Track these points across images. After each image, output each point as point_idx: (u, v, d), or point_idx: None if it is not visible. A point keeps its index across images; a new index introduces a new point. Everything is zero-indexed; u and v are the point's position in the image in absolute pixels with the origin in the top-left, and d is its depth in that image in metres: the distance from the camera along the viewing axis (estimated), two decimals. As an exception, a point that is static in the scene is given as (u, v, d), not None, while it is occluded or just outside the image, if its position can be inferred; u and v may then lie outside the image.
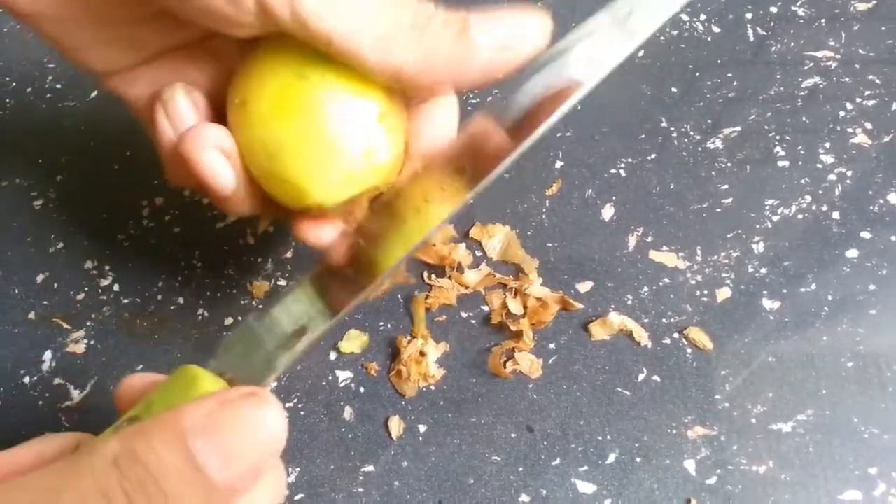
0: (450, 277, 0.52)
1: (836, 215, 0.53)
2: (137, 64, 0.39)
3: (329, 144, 0.35)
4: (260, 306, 0.53)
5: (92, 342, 0.52)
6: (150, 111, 0.40)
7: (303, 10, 0.32)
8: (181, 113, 0.39)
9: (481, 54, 0.33)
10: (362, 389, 0.50)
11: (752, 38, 0.62)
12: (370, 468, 0.47)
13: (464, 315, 0.52)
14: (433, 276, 0.52)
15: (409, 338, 0.50)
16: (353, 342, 0.51)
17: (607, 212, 0.54)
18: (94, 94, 0.64)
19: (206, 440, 0.26)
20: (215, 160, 0.37)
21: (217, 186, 0.38)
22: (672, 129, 0.58)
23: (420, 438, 0.48)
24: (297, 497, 0.46)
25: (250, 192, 0.39)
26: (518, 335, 0.49)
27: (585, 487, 0.45)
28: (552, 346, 0.50)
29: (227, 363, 0.34)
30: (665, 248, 0.53)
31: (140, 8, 0.36)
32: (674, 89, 0.60)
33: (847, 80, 0.59)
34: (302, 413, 0.49)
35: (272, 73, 0.36)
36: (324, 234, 0.40)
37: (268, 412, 0.27)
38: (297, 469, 0.47)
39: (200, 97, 0.39)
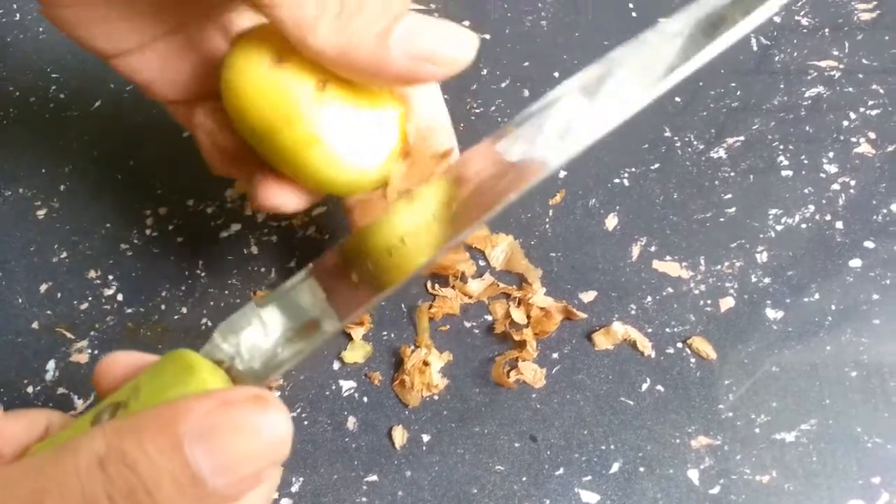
0: (453, 287, 0.52)
1: (839, 225, 0.53)
2: (144, 44, 0.40)
3: (303, 140, 0.36)
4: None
5: (95, 352, 0.52)
6: (165, 90, 0.42)
7: None
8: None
9: (397, 62, 0.33)
10: (366, 399, 0.50)
11: (755, 48, 0.62)
12: (374, 478, 0.47)
13: (467, 325, 0.52)
14: (437, 286, 0.52)
15: (412, 347, 0.50)
16: (357, 352, 0.51)
17: (611, 221, 0.54)
18: (98, 103, 0.64)
19: (205, 446, 0.24)
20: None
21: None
22: (675, 138, 0.58)
23: (423, 448, 0.48)
24: (301, 507, 0.46)
25: None
26: (521, 345, 0.49)
27: (589, 497, 0.45)
28: (555, 355, 0.50)
29: (224, 351, 0.32)
30: (669, 257, 0.53)
31: None
32: (677, 99, 0.60)
33: (851, 89, 0.59)
34: (305, 423, 0.49)
35: (249, 61, 0.36)
36: (285, 201, 0.41)
37: (274, 418, 0.26)
38: (301, 479, 0.47)
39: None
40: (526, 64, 0.63)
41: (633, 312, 0.51)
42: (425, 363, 0.49)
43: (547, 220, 0.55)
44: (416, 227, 0.34)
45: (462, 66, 0.34)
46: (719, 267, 0.52)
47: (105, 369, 0.32)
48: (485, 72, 0.63)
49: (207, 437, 0.25)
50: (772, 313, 0.50)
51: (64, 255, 0.57)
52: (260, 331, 0.32)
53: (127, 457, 0.24)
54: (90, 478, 0.24)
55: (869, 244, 0.52)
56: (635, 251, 0.53)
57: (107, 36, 0.39)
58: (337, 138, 0.36)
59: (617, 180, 0.56)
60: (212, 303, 0.54)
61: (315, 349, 0.33)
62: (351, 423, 0.49)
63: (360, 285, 0.33)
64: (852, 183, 0.55)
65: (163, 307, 0.54)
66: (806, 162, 0.56)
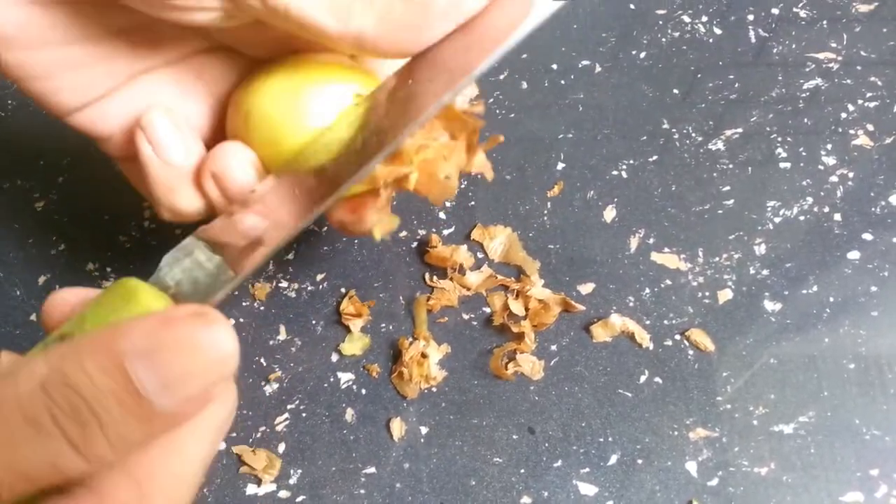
0: (451, 279, 0.52)
1: (837, 217, 0.53)
2: (110, 90, 0.38)
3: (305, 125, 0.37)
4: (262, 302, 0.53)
5: (94, 344, 0.52)
6: (126, 143, 0.39)
7: None
8: (165, 139, 0.38)
9: (435, 7, 0.33)
10: (364, 391, 0.50)
11: (753, 40, 0.62)
12: (372, 470, 0.47)
13: (465, 317, 0.52)
14: (435, 278, 0.52)
15: (410, 339, 0.50)
16: (355, 344, 0.51)
17: (609, 213, 0.54)
18: (96, 95, 0.64)
19: (147, 363, 0.24)
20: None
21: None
22: (674, 130, 0.58)
23: (422, 440, 0.48)
24: (299, 499, 0.46)
25: None
26: (520, 337, 0.49)
27: (587, 489, 0.45)
28: (554, 347, 0.50)
29: (169, 278, 0.32)
30: (667, 249, 0.53)
31: (107, 18, 0.35)
32: (675, 91, 0.60)
33: (849, 81, 0.59)
34: (304, 415, 0.49)
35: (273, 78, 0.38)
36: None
37: (217, 333, 0.25)
38: (299, 471, 0.47)
39: (181, 116, 0.39)
40: (524, 56, 0.63)
41: (631, 304, 0.51)
42: (423, 355, 0.49)
43: (545, 212, 0.55)
44: (335, 149, 0.35)
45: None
46: (717, 259, 0.52)
47: (53, 306, 0.31)
48: (483, 64, 0.62)
49: (149, 354, 0.24)
50: (770, 305, 0.50)
51: (62, 247, 0.57)
52: (203, 256, 0.33)
53: (68, 378, 0.23)
54: (32, 400, 0.23)
55: (867, 236, 0.52)
56: (633, 243, 0.53)
57: (65, 83, 0.37)
58: (266, 110, 0.38)
59: (615, 172, 0.56)
60: (210, 295, 0.53)
61: (262, 263, 0.34)
62: (349, 415, 0.49)
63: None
64: (850, 175, 0.55)
65: (161, 299, 0.54)
66: (804, 154, 0.56)
